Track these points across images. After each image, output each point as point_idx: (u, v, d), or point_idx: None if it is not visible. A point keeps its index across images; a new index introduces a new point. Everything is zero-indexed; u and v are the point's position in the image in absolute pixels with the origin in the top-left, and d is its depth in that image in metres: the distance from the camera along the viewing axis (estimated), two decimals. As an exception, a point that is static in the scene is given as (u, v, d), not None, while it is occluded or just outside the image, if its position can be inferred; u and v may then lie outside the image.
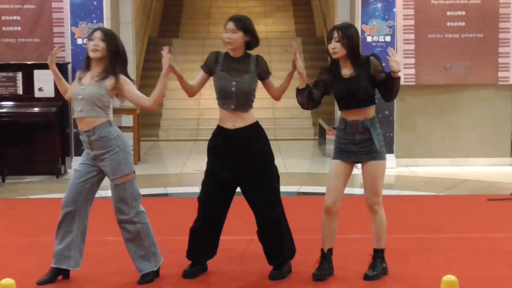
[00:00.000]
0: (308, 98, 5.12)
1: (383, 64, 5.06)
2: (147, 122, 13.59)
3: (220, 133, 5.04)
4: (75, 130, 9.85)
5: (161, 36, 17.82)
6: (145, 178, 9.52)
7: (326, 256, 5.11)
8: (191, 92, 5.17)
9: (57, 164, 9.65)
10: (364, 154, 4.98)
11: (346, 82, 4.95)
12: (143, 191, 8.57)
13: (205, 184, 5.10)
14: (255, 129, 5.07)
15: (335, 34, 4.91)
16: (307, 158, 11.65)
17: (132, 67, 11.86)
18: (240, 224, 6.39)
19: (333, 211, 5.03)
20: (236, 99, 4.97)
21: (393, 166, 10.11)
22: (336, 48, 4.91)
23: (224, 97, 5.00)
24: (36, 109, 9.63)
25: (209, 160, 5.10)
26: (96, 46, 4.83)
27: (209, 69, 5.11)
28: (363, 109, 4.97)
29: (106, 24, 10.09)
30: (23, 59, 10.07)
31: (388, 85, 4.95)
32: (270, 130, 13.86)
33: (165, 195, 8.67)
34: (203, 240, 5.13)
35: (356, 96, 4.93)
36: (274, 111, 14.45)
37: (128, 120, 11.41)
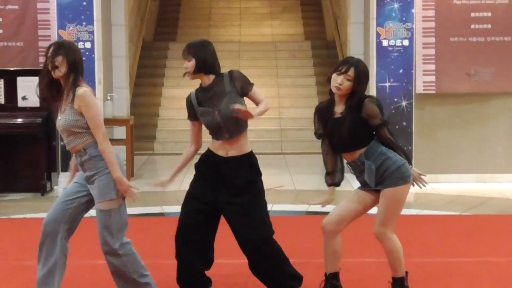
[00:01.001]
0: (337, 160, 5.09)
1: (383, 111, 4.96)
2: (142, 134, 13.62)
3: (210, 158, 5.10)
4: (62, 143, 9.86)
5: (157, 39, 17.88)
6: (139, 196, 9.52)
7: (328, 281, 5.13)
8: (196, 148, 5.24)
9: (42, 180, 9.66)
10: (377, 183, 4.98)
11: (335, 121, 4.93)
12: (136, 210, 8.61)
13: (184, 205, 5.17)
14: (248, 159, 5.10)
15: (351, 72, 4.84)
16: (317, 174, 11.62)
17: (124, 73, 11.90)
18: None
19: (327, 230, 5.07)
20: (226, 127, 5.01)
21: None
22: (343, 85, 4.86)
23: (214, 131, 5.07)
24: (19, 120, 9.65)
25: (194, 181, 5.19)
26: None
27: (194, 115, 5.17)
28: (357, 151, 4.95)
29: (97, 26, 10.14)
30: (5, 64, 10.09)
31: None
32: (277, 143, 13.88)
33: (161, 214, 8.67)
34: (188, 270, 5.16)
35: (339, 139, 4.90)
36: (281, 122, 14.47)
37: (120, 132, 11.44)
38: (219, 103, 4.97)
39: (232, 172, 5.03)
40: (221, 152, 5.05)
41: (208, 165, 5.10)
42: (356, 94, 4.89)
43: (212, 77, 5.06)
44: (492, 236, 7.27)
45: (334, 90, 4.90)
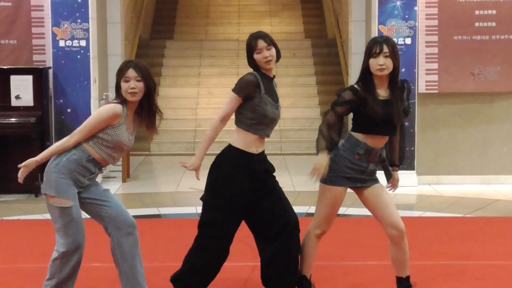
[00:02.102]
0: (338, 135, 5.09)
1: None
2: (137, 134, 13.39)
3: (244, 157, 5.04)
4: (56, 143, 9.86)
5: (153, 37, 17.87)
6: (135, 197, 9.53)
7: (308, 284, 5.17)
8: (223, 126, 5.13)
9: (36, 182, 9.62)
10: (370, 180, 5.03)
11: (384, 104, 4.90)
12: (133, 211, 8.58)
13: (224, 216, 5.02)
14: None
15: (385, 49, 4.84)
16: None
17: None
18: (242, 249, 6.38)
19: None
20: (274, 124, 5.13)
21: (414, 184, 10.11)
22: (385, 64, 4.85)
23: (265, 124, 5.05)
24: (12, 120, 9.64)
25: (227, 190, 5.02)
26: (133, 89, 4.96)
27: (248, 95, 5.02)
28: (390, 137, 5.02)
29: (92, 24, 10.13)
30: (-2, 63, 10.10)
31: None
32: (276, 144, 13.87)
33: (158, 216, 8.68)
34: (208, 278, 5.13)
35: (392, 122, 4.93)
36: (280, 122, 14.32)
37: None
38: (278, 102, 5.07)
39: (263, 165, 5.10)
40: (253, 150, 5.04)
41: (242, 165, 5.03)
42: (397, 73, 4.91)
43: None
44: (497, 239, 7.26)
45: (378, 73, 4.87)
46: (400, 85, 4.95)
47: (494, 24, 10.35)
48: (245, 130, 5.01)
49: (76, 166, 4.82)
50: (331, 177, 4.98)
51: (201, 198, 5.07)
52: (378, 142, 4.96)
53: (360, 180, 5.00)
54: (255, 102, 4.97)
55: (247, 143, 5.03)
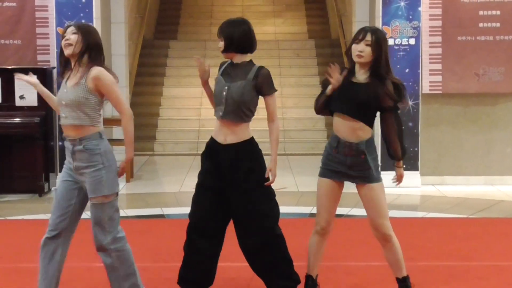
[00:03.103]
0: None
1: (404, 97, 5.03)
2: (142, 134, 13.62)
3: (211, 145, 5.15)
4: (60, 143, 9.88)
5: (157, 37, 17.89)
6: (139, 197, 9.54)
7: (314, 284, 5.16)
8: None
9: (40, 181, 9.67)
10: (358, 177, 5.03)
11: (354, 86, 4.96)
12: (136, 211, 8.61)
13: (195, 196, 5.21)
14: (247, 147, 5.10)
15: (368, 37, 4.90)
16: (321, 176, 11.64)
17: (124, 72, 11.90)
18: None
19: (328, 231, 5.14)
20: (225, 105, 5.04)
21: (417, 185, 10.11)
22: (364, 52, 4.91)
23: (216, 103, 5.13)
24: (17, 119, 9.66)
25: (200, 171, 5.23)
26: (68, 41, 4.87)
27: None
28: (356, 123, 4.95)
29: (96, 24, 10.13)
30: (3, 63, 10.11)
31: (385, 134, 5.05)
32: (280, 144, 13.84)
33: (161, 216, 8.68)
34: (195, 263, 5.13)
35: (356, 101, 4.92)
36: (284, 122, 14.47)
37: (119, 132, 11.45)
38: (235, 83, 5.04)
39: (229, 161, 5.04)
40: (220, 138, 5.07)
41: (208, 152, 5.15)
42: (378, 64, 4.91)
43: (243, 57, 5.12)
44: (501, 240, 7.26)
45: (356, 59, 4.94)
46: (381, 74, 4.93)
47: (498, 24, 10.34)
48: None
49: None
50: (320, 169, 5.12)
51: None
52: (343, 129, 4.96)
53: (345, 175, 5.02)
54: (215, 84, 5.17)
55: (215, 128, 5.15)
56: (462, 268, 6.18)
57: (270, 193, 5.12)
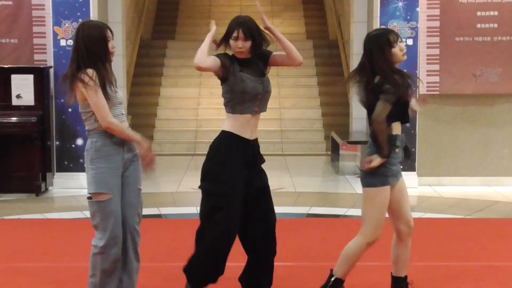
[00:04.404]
0: None
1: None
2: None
3: (239, 142, 5.03)
4: (57, 143, 9.88)
5: (155, 37, 17.89)
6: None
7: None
8: (203, 61, 5.24)
9: (37, 181, 9.66)
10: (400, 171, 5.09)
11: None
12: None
13: (226, 203, 4.97)
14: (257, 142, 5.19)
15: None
16: (318, 176, 11.65)
17: (122, 72, 11.90)
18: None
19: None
20: (261, 100, 5.07)
21: (414, 186, 10.12)
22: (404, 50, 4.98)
23: (248, 100, 5.03)
24: (13, 119, 9.65)
25: (226, 174, 4.99)
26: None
27: (225, 66, 5.14)
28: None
29: (93, 24, 10.13)
30: (-1, 62, 10.11)
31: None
32: (277, 144, 13.89)
33: (158, 216, 8.68)
34: (218, 268, 5.09)
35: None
36: (281, 122, 14.48)
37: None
38: (261, 77, 5.09)
39: (256, 154, 5.10)
40: (247, 134, 5.03)
41: (237, 151, 5.03)
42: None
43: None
44: (497, 240, 7.27)
45: (404, 58, 4.97)
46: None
47: (496, 25, 10.35)
48: (232, 113, 5.05)
49: None
50: (377, 179, 4.91)
51: (200, 187, 5.06)
52: (399, 126, 4.99)
53: (399, 172, 5.02)
54: (230, 82, 5.05)
55: (237, 126, 5.03)
56: (458, 269, 6.19)
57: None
